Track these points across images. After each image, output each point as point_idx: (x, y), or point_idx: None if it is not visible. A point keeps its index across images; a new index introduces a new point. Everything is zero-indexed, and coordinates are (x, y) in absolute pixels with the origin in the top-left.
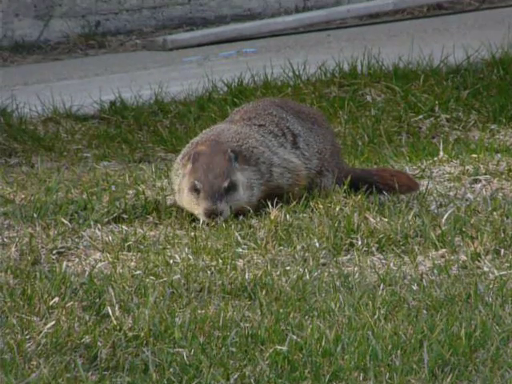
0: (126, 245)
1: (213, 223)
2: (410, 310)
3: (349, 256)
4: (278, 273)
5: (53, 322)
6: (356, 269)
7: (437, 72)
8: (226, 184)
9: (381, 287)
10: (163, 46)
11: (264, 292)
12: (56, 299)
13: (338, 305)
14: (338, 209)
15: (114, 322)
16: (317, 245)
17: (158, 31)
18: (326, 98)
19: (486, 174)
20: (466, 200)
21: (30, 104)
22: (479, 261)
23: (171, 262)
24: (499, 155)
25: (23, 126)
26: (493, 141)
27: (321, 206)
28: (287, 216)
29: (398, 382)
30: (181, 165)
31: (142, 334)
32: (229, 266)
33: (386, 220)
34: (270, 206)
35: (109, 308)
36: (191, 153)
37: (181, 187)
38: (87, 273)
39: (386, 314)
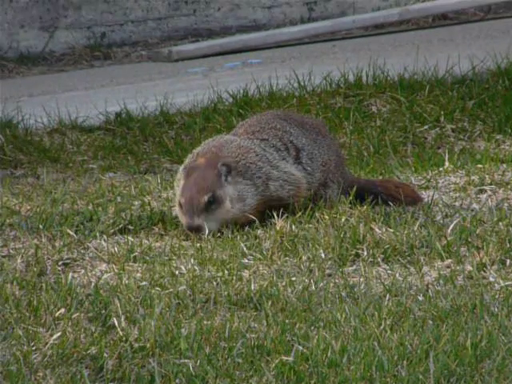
0: (132, 256)
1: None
2: (416, 321)
3: (354, 267)
4: (284, 283)
5: (59, 333)
6: (362, 279)
7: (442, 82)
8: (205, 199)
9: (386, 298)
10: (168, 57)
11: (270, 303)
12: (62, 310)
13: (343, 315)
14: (343, 219)
15: (120, 333)
16: (322, 255)
17: (163, 42)
18: (331, 109)
19: (491, 184)
20: (472, 210)
21: (36, 115)
22: (485, 271)
23: (177, 272)
24: (504, 165)
25: (29, 138)
26: (498, 151)
27: (326, 217)
28: (293, 227)
29: None
30: (183, 175)
31: (148, 345)
32: (234, 277)
33: (392, 230)
34: (276, 216)
35: (115, 319)
36: (188, 166)
37: (176, 200)
38: (93, 284)
39: (392, 325)
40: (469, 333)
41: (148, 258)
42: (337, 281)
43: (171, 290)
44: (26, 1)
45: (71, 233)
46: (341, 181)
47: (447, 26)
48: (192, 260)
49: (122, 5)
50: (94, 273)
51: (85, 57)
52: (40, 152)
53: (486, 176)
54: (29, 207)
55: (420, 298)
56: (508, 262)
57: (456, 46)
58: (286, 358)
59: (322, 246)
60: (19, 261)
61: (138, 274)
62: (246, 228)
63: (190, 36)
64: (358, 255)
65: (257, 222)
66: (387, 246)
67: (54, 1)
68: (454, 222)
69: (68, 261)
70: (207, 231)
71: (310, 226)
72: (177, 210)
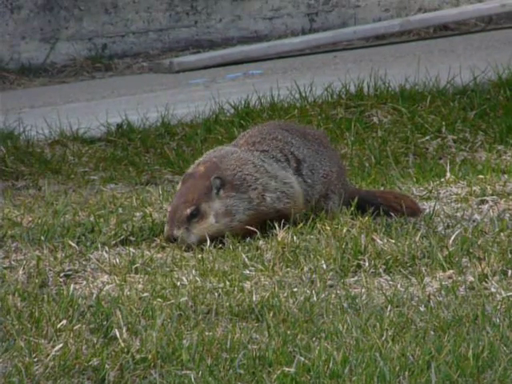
0: (134, 267)
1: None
2: (418, 331)
3: (356, 277)
4: (286, 294)
5: (60, 345)
6: (363, 290)
7: (443, 93)
8: (188, 212)
9: (388, 308)
10: (170, 68)
11: (271, 314)
12: (64, 322)
13: (345, 326)
14: (345, 230)
15: (122, 345)
16: (324, 266)
17: (164, 54)
18: (332, 120)
19: (492, 194)
20: (473, 221)
21: (37, 127)
22: (486, 282)
23: (178, 284)
24: (506, 176)
25: (30, 149)
26: (500, 162)
27: (328, 228)
28: (294, 238)
29: None
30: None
31: (150, 357)
32: (236, 288)
33: (393, 241)
34: (277, 227)
35: (116, 330)
36: (186, 173)
37: None
38: (95, 295)
39: (394, 336)
40: (470, 343)
41: (149, 269)
42: (338, 292)
43: (173, 301)
44: (27, 12)
45: (73, 244)
46: (342, 192)
47: (448, 36)
48: (193, 271)
49: (123, 16)
50: (95, 284)
51: (86, 68)
52: (41, 163)
53: (488, 187)
54: (30, 219)
55: (422, 309)
56: (510, 272)
57: (457, 56)
58: (287, 369)
59: (323, 257)
60: (21, 272)
61: (140, 286)
62: (248, 239)
63: (191, 47)
64: (359, 266)
65: (258, 232)
66: (389, 256)
67: (55, 12)
68: (456, 232)
69: (70, 272)
70: (185, 243)
71: (312, 236)
72: None
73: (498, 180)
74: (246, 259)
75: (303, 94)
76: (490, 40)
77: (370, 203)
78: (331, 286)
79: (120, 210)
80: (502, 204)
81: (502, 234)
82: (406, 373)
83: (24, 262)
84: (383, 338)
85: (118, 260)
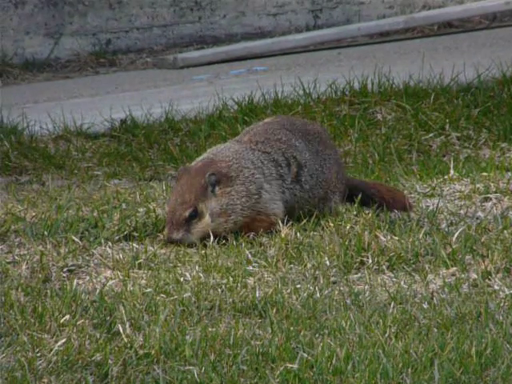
0: (137, 263)
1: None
2: (421, 329)
3: (359, 274)
4: (289, 291)
5: (64, 340)
6: (367, 287)
7: (447, 90)
8: (187, 214)
9: (391, 305)
10: (174, 64)
11: (274, 310)
12: (67, 317)
13: (348, 323)
14: (348, 227)
15: (125, 340)
16: (327, 263)
17: (168, 49)
18: (336, 117)
19: (496, 192)
20: (477, 218)
21: (41, 122)
22: (490, 279)
23: (182, 279)
24: (509, 173)
25: (34, 144)
26: (503, 159)
27: (331, 225)
28: (298, 234)
29: None
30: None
31: (153, 352)
32: (239, 284)
33: (397, 238)
34: (281, 223)
35: (119, 326)
36: (180, 168)
37: None
38: (98, 291)
39: (397, 333)
40: (474, 341)
41: (153, 264)
42: (342, 288)
43: (176, 296)
44: (31, 7)
45: (76, 239)
46: (341, 189)
47: (452, 33)
48: (197, 267)
49: (128, 12)
50: (98, 279)
51: (90, 63)
52: (45, 158)
53: (491, 184)
54: (34, 214)
55: (425, 306)
56: None
57: (461, 53)
58: (290, 365)
59: (326, 254)
60: (24, 267)
61: (143, 281)
62: (251, 235)
63: (195, 43)
64: (362, 263)
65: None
66: (392, 253)
67: (59, 7)
68: (459, 230)
69: (73, 267)
70: (186, 244)
71: (315, 233)
72: None
73: (501, 177)
74: (250, 255)
75: (307, 91)
76: (494, 37)
77: (363, 193)
78: (334, 283)
79: (123, 206)
80: (506, 201)
81: (505, 231)
82: (409, 370)
83: (27, 256)
84: (386, 335)
85: (121, 255)
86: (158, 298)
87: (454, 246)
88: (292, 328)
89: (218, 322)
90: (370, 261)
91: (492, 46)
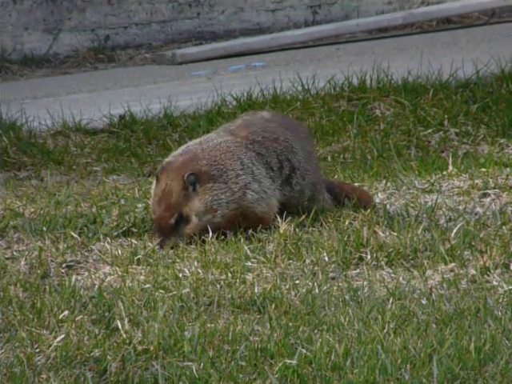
0: (136, 258)
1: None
2: (420, 324)
3: (358, 270)
4: (288, 287)
5: (62, 336)
6: (365, 283)
7: (446, 86)
8: (173, 221)
9: (390, 301)
10: (172, 60)
11: (273, 306)
12: (65, 313)
13: (347, 319)
14: (347, 223)
15: (124, 336)
16: (326, 259)
17: (167, 45)
18: (335, 112)
19: (495, 188)
20: (475, 214)
21: (40, 118)
22: (488, 275)
23: (180, 275)
24: (508, 169)
25: (32, 140)
26: (502, 155)
27: (330, 220)
28: (296, 230)
29: None
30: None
31: (152, 348)
32: (238, 280)
33: (396, 234)
34: (280, 219)
35: (118, 322)
36: (160, 167)
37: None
38: (97, 286)
39: (396, 328)
40: (472, 336)
41: (151, 260)
42: (340, 284)
43: (175, 292)
44: (30, 3)
45: (75, 235)
46: (324, 187)
47: (451, 29)
48: (195, 263)
49: (126, 8)
50: (97, 275)
51: (89, 59)
52: (44, 154)
53: (490, 180)
54: (32, 209)
55: (423, 302)
56: (511, 265)
57: (460, 49)
58: (289, 361)
59: (325, 250)
60: (23, 263)
61: (142, 277)
62: (250, 231)
63: (193, 39)
64: (361, 259)
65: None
66: (391, 249)
67: (58, 3)
68: (458, 225)
69: (71, 263)
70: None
71: (314, 229)
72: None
73: (500, 173)
74: (248, 251)
75: (306, 87)
76: (492, 33)
77: (330, 192)
78: (333, 279)
79: (122, 202)
80: (504, 197)
81: (504, 227)
82: (408, 365)
83: (26, 252)
84: (385, 331)
85: (120, 251)
86: (156, 293)
87: (452, 242)
88: (291, 324)
89: (216, 317)
90: (369, 257)
91: (490, 41)
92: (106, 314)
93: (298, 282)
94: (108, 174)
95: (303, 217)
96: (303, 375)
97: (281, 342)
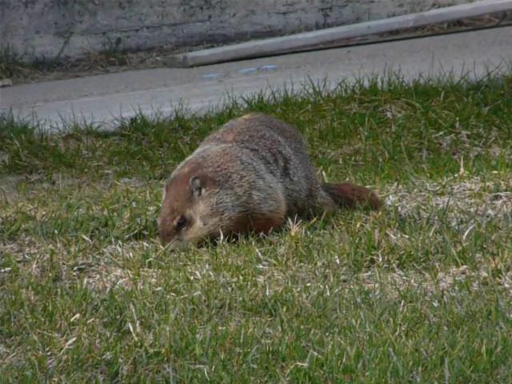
0: (147, 261)
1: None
2: (431, 327)
3: (369, 272)
4: (299, 289)
5: (74, 339)
6: (377, 285)
7: (457, 88)
8: (175, 223)
9: (401, 304)
10: (184, 62)
11: (285, 308)
12: (77, 316)
13: (358, 321)
14: (358, 225)
15: (135, 339)
16: (337, 261)
17: (178, 48)
18: (346, 115)
19: (506, 190)
20: (487, 216)
21: (51, 121)
22: (500, 277)
23: (192, 278)
24: None
25: (44, 143)
26: None
27: (341, 223)
28: (308, 232)
29: None
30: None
31: (163, 351)
32: (249, 283)
33: (407, 236)
34: (291, 222)
35: (130, 324)
36: (168, 178)
37: None
38: (108, 289)
39: (407, 331)
40: (484, 339)
41: (163, 263)
42: (352, 287)
43: (186, 295)
44: (41, 6)
45: (86, 238)
46: (319, 183)
47: (462, 32)
48: (207, 265)
49: (138, 10)
50: (109, 278)
51: (100, 62)
52: (55, 157)
53: (501, 182)
54: (44, 212)
55: (435, 304)
56: None
57: (471, 52)
58: (300, 363)
59: (336, 252)
60: (34, 266)
61: (153, 280)
62: (261, 234)
63: (205, 42)
64: (373, 261)
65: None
66: (402, 252)
67: (69, 6)
68: (469, 228)
69: (83, 266)
70: (182, 250)
71: (325, 231)
72: None
73: (511, 175)
74: (260, 254)
75: (317, 89)
76: (504, 35)
77: (327, 193)
78: (345, 281)
79: (134, 204)
80: None
81: None
82: (420, 368)
83: (37, 255)
84: (396, 333)
85: (131, 254)
86: (168, 296)
87: (464, 244)
88: (302, 326)
89: (228, 320)
90: (380, 259)
91: (502, 43)
92: (118, 316)
93: (309, 284)
94: (119, 177)
95: (314, 219)
96: (315, 378)
97: (292, 345)
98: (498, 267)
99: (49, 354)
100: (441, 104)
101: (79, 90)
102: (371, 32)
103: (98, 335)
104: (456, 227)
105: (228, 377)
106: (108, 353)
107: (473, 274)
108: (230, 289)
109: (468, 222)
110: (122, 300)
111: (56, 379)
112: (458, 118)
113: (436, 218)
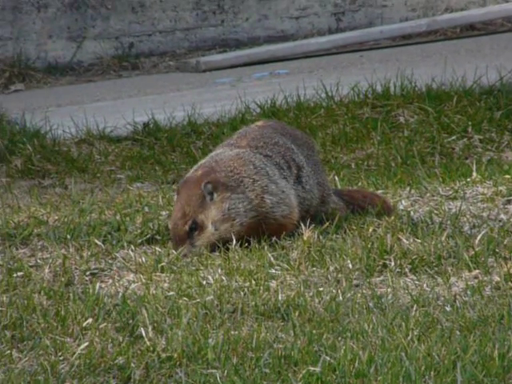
0: (159, 266)
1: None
2: (444, 331)
3: (382, 277)
4: (311, 294)
5: (86, 343)
6: (389, 290)
7: (470, 93)
8: (187, 227)
9: (414, 308)
10: (196, 67)
11: (297, 313)
12: (89, 320)
13: (371, 326)
14: (370, 230)
15: (148, 343)
16: (350, 266)
17: (191, 53)
18: (358, 119)
19: None
20: (500, 221)
21: (64, 125)
22: None
23: (204, 283)
24: None
25: (57, 148)
26: None
27: (354, 227)
28: (320, 237)
29: None
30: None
31: (176, 355)
32: (262, 287)
33: (419, 241)
34: (303, 226)
35: (142, 329)
36: (180, 181)
37: None
38: (120, 294)
39: (420, 335)
40: (496, 343)
41: (175, 268)
42: (364, 291)
43: (198, 300)
44: (54, 11)
45: (99, 243)
46: (331, 189)
47: (475, 36)
48: (219, 270)
49: (150, 15)
50: (121, 283)
51: (113, 67)
52: (68, 162)
53: None
54: (56, 217)
55: (447, 309)
56: None
57: (484, 56)
58: (313, 368)
59: (349, 257)
60: (47, 271)
61: (166, 284)
62: (273, 238)
63: (217, 46)
64: (385, 266)
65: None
66: (415, 256)
67: (82, 11)
68: (482, 232)
69: (95, 271)
70: (194, 256)
71: (337, 236)
72: None
73: None
74: (272, 258)
75: (329, 94)
76: None
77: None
78: (357, 286)
79: (146, 209)
80: None
81: None
82: (432, 373)
83: (50, 260)
84: (409, 338)
85: (143, 259)
86: (180, 301)
87: (476, 249)
88: (314, 331)
89: (240, 325)
90: (393, 264)
91: None
92: (130, 321)
93: (321, 289)
94: (132, 182)
95: (327, 224)
96: (327, 382)
97: (304, 350)
98: (511, 272)
99: (61, 358)
100: (453, 108)
101: (92, 95)
102: (384, 36)
103: (110, 340)
104: (468, 232)
105: (240, 381)
106: (120, 357)
107: (485, 278)
108: (242, 293)
109: (480, 226)
110: (134, 305)
111: None
112: (470, 123)
113: (448, 222)
